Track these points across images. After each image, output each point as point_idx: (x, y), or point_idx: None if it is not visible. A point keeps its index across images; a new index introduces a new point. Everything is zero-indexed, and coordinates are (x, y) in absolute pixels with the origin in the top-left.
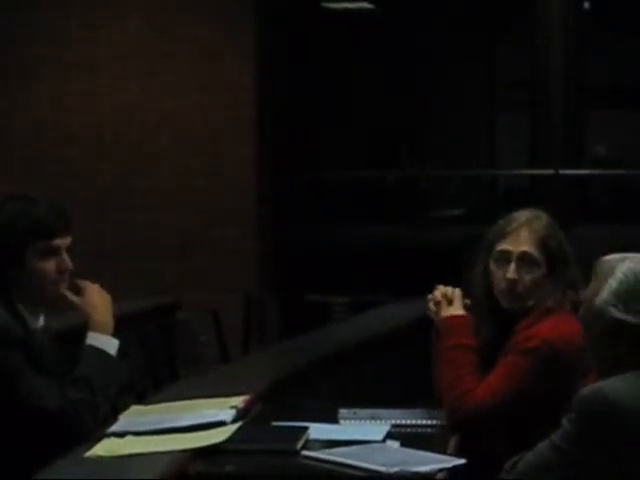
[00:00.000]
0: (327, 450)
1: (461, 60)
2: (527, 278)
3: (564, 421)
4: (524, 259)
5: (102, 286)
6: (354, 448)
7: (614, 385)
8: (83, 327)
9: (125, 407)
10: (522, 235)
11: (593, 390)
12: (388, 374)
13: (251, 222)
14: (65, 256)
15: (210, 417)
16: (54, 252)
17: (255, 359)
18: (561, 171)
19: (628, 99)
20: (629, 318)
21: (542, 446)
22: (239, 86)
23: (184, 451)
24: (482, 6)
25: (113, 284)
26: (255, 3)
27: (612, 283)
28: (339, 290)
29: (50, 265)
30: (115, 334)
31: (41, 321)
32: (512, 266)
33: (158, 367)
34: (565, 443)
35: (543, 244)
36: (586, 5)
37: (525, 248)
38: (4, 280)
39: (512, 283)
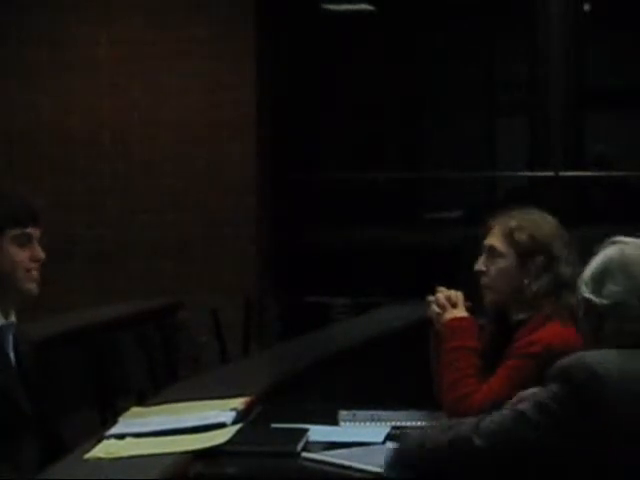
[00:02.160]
0: (327, 452)
1: (461, 62)
2: (492, 269)
3: (543, 389)
4: (490, 252)
5: (102, 286)
6: (354, 450)
7: (593, 354)
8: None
9: (125, 408)
10: (493, 230)
11: (573, 358)
12: (388, 375)
13: (251, 223)
14: (37, 246)
15: (210, 419)
16: (28, 241)
17: (255, 360)
18: (561, 173)
19: (628, 100)
20: (592, 298)
21: (508, 411)
22: (239, 86)
23: (184, 453)
24: (482, 7)
25: (113, 284)
26: (255, 3)
27: (592, 264)
28: (339, 291)
29: (24, 253)
30: (115, 335)
31: (12, 318)
32: (480, 259)
33: (158, 368)
34: (550, 402)
35: (509, 236)
36: (586, 6)
37: (491, 242)
38: None
39: (479, 275)
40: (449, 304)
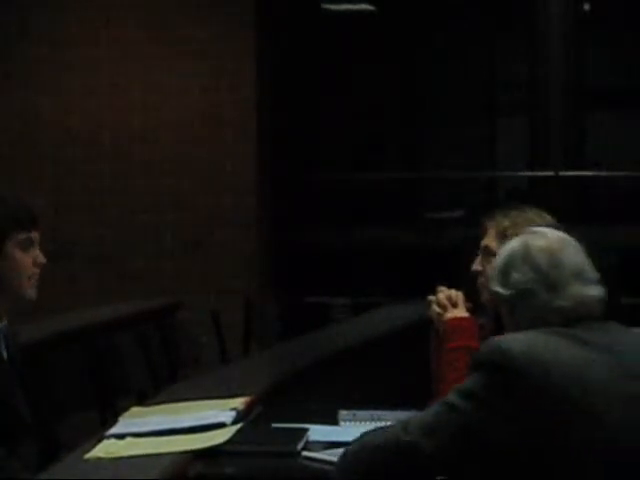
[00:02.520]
0: (327, 451)
1: (461, 62)
2: (488, 269)
3: (466, 380)
4: (485, 252)
5: (102, 286)
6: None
7: (504, 338)
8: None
9: (125, 408)
10: (488, 230)
11: (487, 344)
12: (388, 375)
13: (251, 223)
14: (38, 250)
15: (210, 419)
16: (31, 245)
17: (255, 360)
18: (561, 173)
19: (628, 100)
20: (499, 290)
21: (437, 405)
22: (239, 86)
23: (184, 453)
24: (482, 7)
25: (113, 285)
26: (255, 3)
27: (498, 258)
28: (339, 291)
29: (28, 258)
30: (115, 335)
31: (4, 320)
32: (477, 259)
33: (158, 368)
34: (473, 387)
35: (503, 235)
36: (586, 6)
37: (486, 242)
38: None
39: (477, 275)
40: (450, 304)
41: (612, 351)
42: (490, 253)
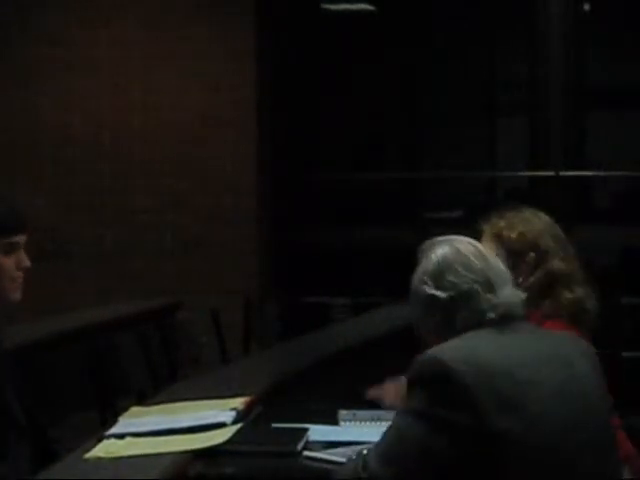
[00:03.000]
0: (327, 451)
1: (461, 62)
2: None
3: (408, 398)
4: None
5: (102, 286)
6: (354, 449)
7: (439, 348)
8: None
9: (125, 408)
10: (485, 232)
11: (424, 357)
12: (388, 375)
13: (251, 223)
14: (23, 254)
15: (210, 418)
16: (14, 249)
17: (255, 360)
18: (561, 173)
19: (628, 100)
20: (438, 293)
21: (388, 432)
22: (239, 86)
23: (184, 452)
24: (482, 7)
25: (113, 285)
26: (255, 4)
27: (424, 265)
28: (339, 291)
29: (10, 261)
30: (115, 335)
31: None
32: None
33: (158, 368)
34: (418, 405)
35: (499, 236)
36: (586, 6)
37: (483, 244)
38: None
39: None
40: None
41: (543, 345)
42: None
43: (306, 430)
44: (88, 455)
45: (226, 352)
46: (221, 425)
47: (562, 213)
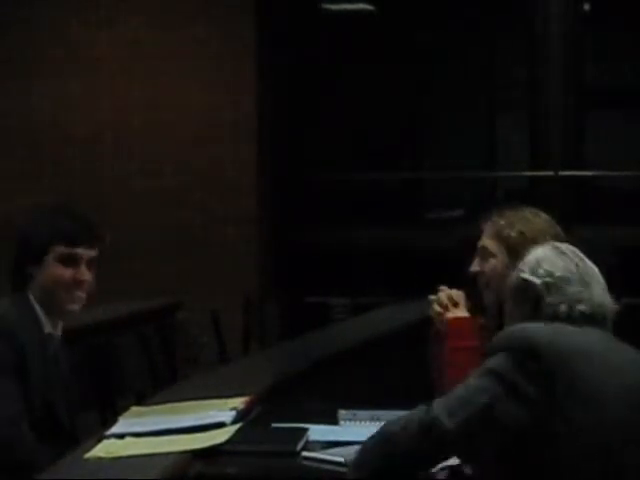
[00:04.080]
0: (327, 451)
1: (460, 61)
2: (486, 269)
3: (489, 360)
4: (483, 252)
5: (102, 286)
6: (354, 448)
7: (533, 326)
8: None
9: (125, 408)
10: (485, 231)
11: (516, 329)
12: (388, 375)
13: (251, 223)
14: (84, 268)
15: (210, 418)
16: (74, 261)
17: (255, 360)
18: (561, 172)
19: (628, 100)
20: (532, 278)
21: (460, 387)
22: (239, 86)
23: (184, 452)
24: (481, 6)
25: (113, 285)
26: (255, 3)
27: (528, 257)
28: (339, 291)
29: (67, 272)
30: (115, 335)
31: (59, 330)
32: (475, 260)
33: (157, 368)
34: (498, 368)
35: (499, 235)
36: (586, 6)
37: (483, 242)
38: (23, 277)
39: (475, 276)
40: (451, 303)
41: (626, 350)
42: (487, 253)
43: (306, 430)
44: (88, 455)
45: (226, 352)
46: (221, 425)
47: (562, 213)
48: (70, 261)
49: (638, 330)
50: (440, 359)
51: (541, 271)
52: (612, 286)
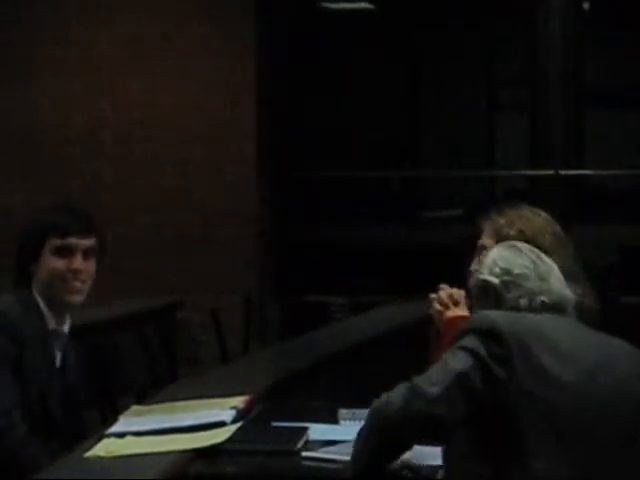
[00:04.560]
0: (326, 449)
1: (460, 60)
2: None
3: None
4: (482, 251)
5: (102, 286)
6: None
7: (493, 312)
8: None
9: (125, 407)
10: (484, 229)
11: (477, 315)
12: (388, 374)
13: (251, 222)
14: (79, 257)
15: (210, 417)
16: (69, 251)
17: (255, 359)
18: (561, 171)
19: (628, 99)
20: (490, 278)
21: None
22: (239, 86)
23: (184, 451)
24: (482, 6)
25: (113, 284)
26: (255, 3)
27: (486, 257)
28: (339, 290)
29: (61, 263)
30: (115, 334)
31: (66, 327)
32: (475, 259)
33: (158, 367)
34: (466, 345)
35: (499, 233)
36: (586, 6)
37: (482, 241)
38: (26, 275)
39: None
40: (451, 302)
41: (589, 333)
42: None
43: (306, 429)
44: (88, 454)
45: (226, 351)
46: (221, 424)
47: (562, 211)
48: (65, 252)
49: (638, 328)
50: (440, 358)
51: (498, 270)
52: (612, 285)
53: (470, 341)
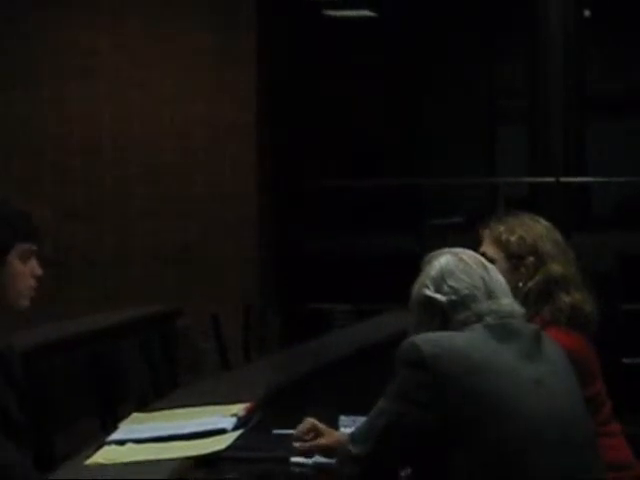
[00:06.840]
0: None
1: (461, 68)
2: None
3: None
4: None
5: (103, 293)
6: None
7: (421, 337)
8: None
9: (126, 414)
10: (484, 237)
11: (404, 343)
12: (389, 382)
13: (252, 230)
14: (35, 262)
15: (211, 425)
16: (29, 256)
17: (256, 366)
18: (562, 178)
19: (628, 105)
20: (437, 296)
21: (371, 413)
22: (240, 92)
23: (185, 459)
24: (482, 14)
25: (114, 291)
26: (256, 9)
27: (427, 271)
28: (340, 298)
29: (27, 268)
30: (116, 341)
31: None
32: None
33: (158, 374)
34: (400, 387)
35: (499, 241)
36: (586, 12)
37: (482, 249)
38: None
39: None
40: None
41: (516, 341)
42: (487, 259)
43: None
44: (89, 461)
45: (227, 358)
46: (222, 431)
47: (562, 219)
48: (27, 257)
49: (639, 336)
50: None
51: (446, 288)
52: (612, 292)
53: (395, 382)
